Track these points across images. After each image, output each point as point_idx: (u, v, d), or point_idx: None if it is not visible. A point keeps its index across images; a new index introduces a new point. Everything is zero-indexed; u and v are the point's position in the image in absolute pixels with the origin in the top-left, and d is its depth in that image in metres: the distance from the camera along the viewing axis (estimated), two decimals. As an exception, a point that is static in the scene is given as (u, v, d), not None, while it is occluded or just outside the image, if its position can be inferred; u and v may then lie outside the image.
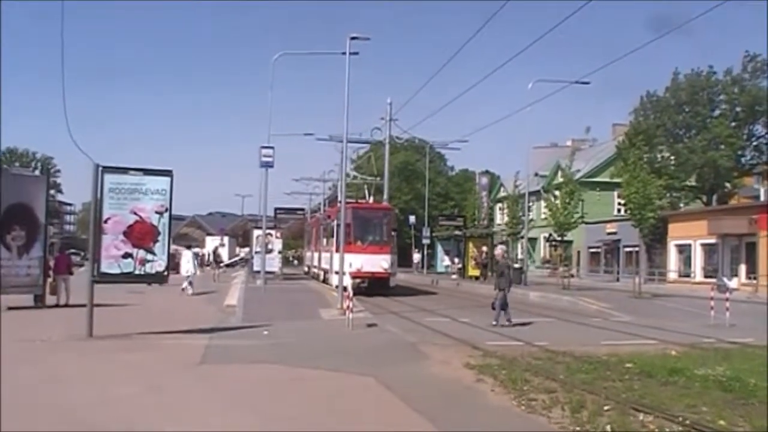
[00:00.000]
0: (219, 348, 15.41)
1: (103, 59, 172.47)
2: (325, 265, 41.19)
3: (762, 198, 54.56)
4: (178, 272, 36.77)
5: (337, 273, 29.73)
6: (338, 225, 32.34)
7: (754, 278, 38.78)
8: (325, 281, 40.13)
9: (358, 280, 32.18)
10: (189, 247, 40.37)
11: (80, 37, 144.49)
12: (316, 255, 48.19)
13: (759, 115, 51.32)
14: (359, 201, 43.26)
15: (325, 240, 42.00)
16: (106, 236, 16.38)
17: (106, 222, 16.38)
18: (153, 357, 14.04)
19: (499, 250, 26.15)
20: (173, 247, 28.46)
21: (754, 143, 53.11)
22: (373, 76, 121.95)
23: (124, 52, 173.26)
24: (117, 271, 16.51)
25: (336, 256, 31.49)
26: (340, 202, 32.99)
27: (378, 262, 34.86)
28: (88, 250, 18.03)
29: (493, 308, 21.64)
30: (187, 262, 34.62)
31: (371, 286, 34.56)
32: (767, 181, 59.11)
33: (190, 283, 32.63)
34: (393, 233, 38.35)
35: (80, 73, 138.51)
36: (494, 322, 21.08)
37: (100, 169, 16.38)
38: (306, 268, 57.57)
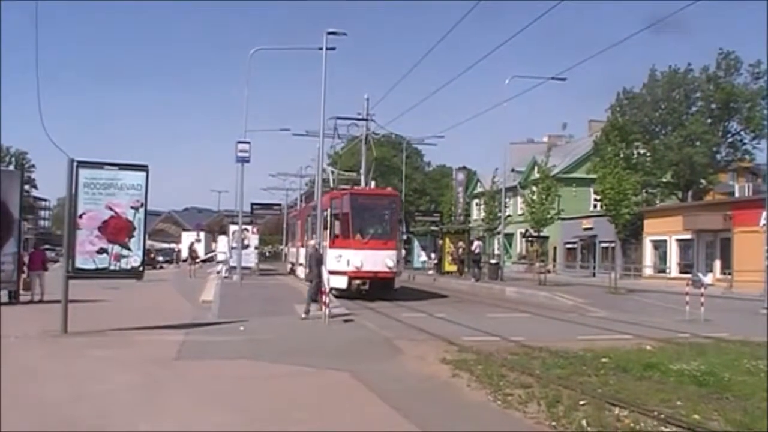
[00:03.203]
0: (195, 344, 15.37)
1: (77, 55, 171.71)
2: None
3: (737, 194, 54.93)
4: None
5: (332, 273, 26.44)
6: (333, 215, 30.08)
7: (729, 273, 39.02)
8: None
9: (357, 282, 29.35)
10: (223, 233, 41.21)
11: (54, 33, 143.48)
12: (302, 251, 39.01)
13: (734, 112, 51.63)
14: (353, 186, 38.19)
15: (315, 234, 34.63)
16: (80, 231, 16.31)
17: (80, 217, 16.30)
18: (128, 353, 13.98)
19: (311, 242, 25.90)
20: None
21: (729, 140, 53.39)
22: (350, 72, 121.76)
23: (98, 49, 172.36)
24: (92, 266, 16.45)
25: (331, 253, 28.62)
26: (333, 188, 31.67)
27: (382, 260, 29.40)
28: (63, 245, 17.88)
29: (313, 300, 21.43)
30: (223, 247, 36.41)
31: (373, 288, 29.49)
32: (742, 178, 59.54)
33: (227, 269, 36.44)
34: (399, 224, 32.95)
35: (55, 69, 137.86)
36: (304, 315, 20.81)
37: (75, 163, 16.30)
38: (289, 266, 50.99)
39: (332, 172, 44.19)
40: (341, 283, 28.38)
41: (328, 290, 21.00)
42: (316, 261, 22.71)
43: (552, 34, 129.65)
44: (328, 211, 30.73)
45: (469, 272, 45.20)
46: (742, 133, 52.78)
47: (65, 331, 15.93)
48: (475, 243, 47.44)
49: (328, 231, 30.18)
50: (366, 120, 40.94)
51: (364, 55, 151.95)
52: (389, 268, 29.55)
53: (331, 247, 29.21)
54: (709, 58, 53.41)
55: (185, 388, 11.00)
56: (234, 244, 41.99)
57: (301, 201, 65.82)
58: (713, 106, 52.01)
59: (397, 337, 16.89)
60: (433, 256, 54.41)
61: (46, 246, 51.90)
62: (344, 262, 29.07)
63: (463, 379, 11.80)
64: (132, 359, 13.28)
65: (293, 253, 48.36)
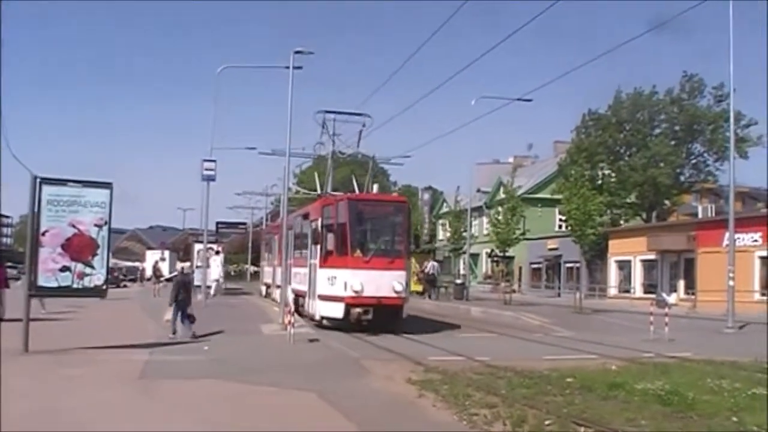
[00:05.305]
0: (159, 363, 15.22)
1: (41, 69, 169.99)
2: (299, 286, 27.88)
3: (700, 215, 55.53)
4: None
5: (324, 299, 24.05)
6: (325, 226, 24.54)
7: (693, 293, 39.41)
8: (299, 310, 26.33)
9: (358, 310, 23.47)
10: (218, 253, 42.86)
11: (18, 46, 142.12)
12: (280, 271, 33.17)
13: (697, 134, 52.15)
14: (348, 192, 31.88)
15: (300, 251, 29.04)
16: (43, 249, 16.13)
17: (43, 234, 16.12)
18: (91, 372, 13.81)
19: (178, 266, 25.45)
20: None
21: (693, 161, 53.89)
22: (317, 91, 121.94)
23: (63, 62, 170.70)
24: (54, 284, 16.25)
25: (322, 273, 24.35)
26: (322, 194, 30.00)
27: (388, 282, 23.63)
28: (26, 263, 17.65)
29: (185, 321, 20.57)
30: (216, 266, 38.00)
31: (378, 317, 23.59)
32: (705, 199, 60.17)
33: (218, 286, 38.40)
34: (408, 238, 27.00)
35: (17, 82, 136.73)
36: (171, 335, 20.03)
37: (38, 180, 16.13)
38: (263, 288, 45.64)
39: (297, 192, 43.73)
40: (336, 311, 23.82)
41: (293, 309, 20.86)
42: (182, 285, 21.23)
43: (519, 53, 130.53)
44: (319, 221, 25.33)
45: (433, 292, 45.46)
46: (705, 154, 53.28)
47: (26, 350, 15.71)
48: (429, 264, 47.71)
49: (319, 246, 24.71)
50: (360, 115, 36.09)
51: (332, 74, 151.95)
52: (397, 292, 23.80)
53: (322, 266, 24.47)
54: (672, 80, 53.96)
55: (149, 407, 10.88)
56: (199, 264, 41.81)
57: (267, 220, 65.35)
58: (677, 128, 52.51)
59: (364, 357, 16.84)
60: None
61: (8, 263, 51.26)
62: (340, 284, 23.65)
63: (429, 399, 11.76)
64: (95, 378, 13.13)
65: (269, 273, 42.69)
